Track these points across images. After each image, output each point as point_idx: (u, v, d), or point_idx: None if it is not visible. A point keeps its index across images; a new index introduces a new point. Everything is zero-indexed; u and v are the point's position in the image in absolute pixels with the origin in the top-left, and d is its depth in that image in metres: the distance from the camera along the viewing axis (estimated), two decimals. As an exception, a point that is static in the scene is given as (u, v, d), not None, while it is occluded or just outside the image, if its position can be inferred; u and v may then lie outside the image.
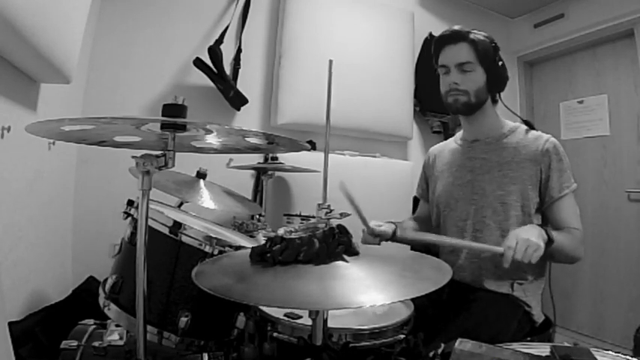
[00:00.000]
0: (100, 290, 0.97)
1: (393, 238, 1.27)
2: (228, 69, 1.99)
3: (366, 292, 0.63)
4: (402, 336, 0.91)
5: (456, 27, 1.26)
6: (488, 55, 1.24)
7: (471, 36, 1.23)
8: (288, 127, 2.07)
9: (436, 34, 2.62)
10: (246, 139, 0.86)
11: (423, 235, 1.31)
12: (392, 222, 1.33)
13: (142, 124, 0.72)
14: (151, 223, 0.86)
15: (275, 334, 0.90)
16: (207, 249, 0.93)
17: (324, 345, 0.77)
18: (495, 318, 1.12)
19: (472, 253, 1.27)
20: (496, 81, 1.28)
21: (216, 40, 1.93)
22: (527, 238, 1.01)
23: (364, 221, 1.16)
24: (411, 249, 1.46)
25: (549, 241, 1.06)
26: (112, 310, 0.91)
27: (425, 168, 1.55)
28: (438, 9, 2.75)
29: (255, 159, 1.94)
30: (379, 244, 1.25)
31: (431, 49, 1.35)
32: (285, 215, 1.82)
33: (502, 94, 1.34)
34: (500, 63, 1.27)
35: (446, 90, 1.29)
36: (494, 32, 1.29)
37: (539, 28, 2.85)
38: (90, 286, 1.49)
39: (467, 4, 2.86)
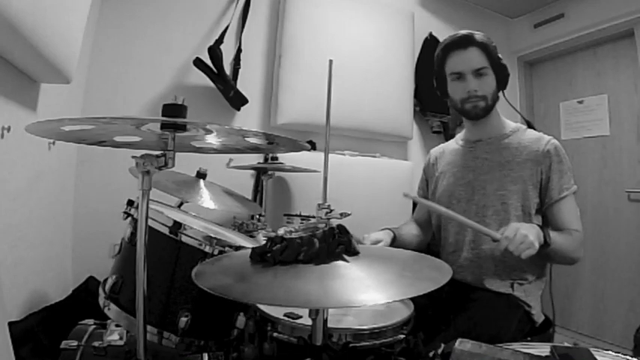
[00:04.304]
0: (100, 290, 0.97)
1: (393, 245, 1.27)
2: (228, 69, 1.99)
3: (366, 292, 0.63)
4: (402, 336, 0.91)
5: (462, 32, 1.26)
6: (495, 57, 1.25)
7: (479, 39, 1.23)
8: (288, 127, 2.07)
9: (436, 34, 2.65)
10: (246, 139, 0.86)
11: (431, 204, 1.31)
12: (388, 228, 1.34)
13: (141, 124, 0.71)
14: (150, 223, 0.86)
15: (275, 334, 0.90)
16: (207, 249, 0.93)
17: (324, 345, 0.77)
18: (495, 318, 1.12)
19: (473, 253, 1.28)
20: (503, 80, 1.29)
21: (216, 40, 1.93)
22: (525, 234, 1.02)
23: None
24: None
25: (545, 245, 1.07)
26: (112, 310, 0.91)
27: (425, 169, 1.55)
28: (438, 9, 2.75)
29: (255, 159, 1.94)
30: None
31: (432, 52, 1.34)
32: (285, 215, 1.82)
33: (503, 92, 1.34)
34: (503, 61, 1.27)
35: (463, 97, 1.27)
36: (494, 32, 1.30)
37: (539, 28, 2.85)
38: (90, 286, 1.49)
39: (467, 4, 2.86)
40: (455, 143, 1.46)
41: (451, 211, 1.18)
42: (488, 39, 1.26)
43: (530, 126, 1.34)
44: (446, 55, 1.28)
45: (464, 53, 1.24)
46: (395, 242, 1.29)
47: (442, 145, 1.54)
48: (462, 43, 1.24)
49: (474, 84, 1.24)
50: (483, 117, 1.30)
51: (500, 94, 1.32)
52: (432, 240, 1.51)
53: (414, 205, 2.27)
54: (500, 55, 1.27)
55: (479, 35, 1.25)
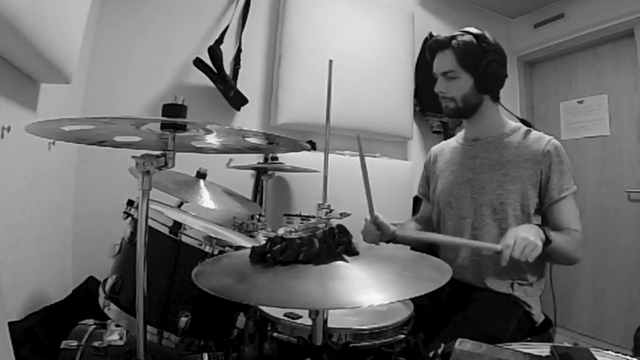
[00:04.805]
0: (100, 290, 0.97)
1: (393, 239, 1.27)
2: (228, 69, 1.99)
3: (366, 292, 0.63)
4: (402, 336, 0.91)
5: (442, 35, 1.29)
6: (471, 59, 1.23)
7: (454, 42, 1.24)
8: (288, 127, 2.07)
9: (436, 34, 2.64)
10: (246, 139, 0.86)
11: (422, 235, 1.31)
12: (393, 223, 1.33)
13: (141, 124, 0.72)
14: (150, 223, 0.86)
15: (275, 334, 0.90)
16: (207, 249, 0.93)
17: (324, 345, 0.77)
18: (495, 318, 1.12)
19: (472, 252, 1.28)
20: (486, 82, 1.25)
21: (216, 40, 1.93)
22: (525, 237, 1.01)
23: (370, 205, 1.17)
24: (411, 249, 1.46)
25: (547, 241, 1.06)
26: (112, 310, 0.91)
27: (426, 167, 1.55)
28: (438, 9, 2.75)
29: (255, 159, 1.94)
30: (378, 243, 1.25)
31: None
32: (285, 215, 1.82)
33: (502, 94, 1.33)
34: (489, 61, 1.23)
35: (439, 97, 1.33)
36: (494, 32, 1.28)
37: (539, 28, 2.85)
38: (90, 286, 1.49)
39: (467, 4, 2.86)
40: (455, 141, 1.46)
41: (446, 237, 1.24)
42: (475, 38, 1.22)
43: (528, 126, 1.34)
44: (432, 58, 1.34)
45: (439, 56, 1.29)
46: (397, 237, 1.28)
47: (443, 142, 1.54)
48: (440, 45, 1.29)
49: (441, 85, 1.30)
50: (458, 117, 1.36)
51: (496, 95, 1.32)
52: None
53: (415, 205, 2.28)
54: (487, 56, 1.23)
55: (464, 37, 1.23)
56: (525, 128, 1.32)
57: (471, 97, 1.27)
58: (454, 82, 1.27)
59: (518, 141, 1.28)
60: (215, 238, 0.94)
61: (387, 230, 1.23)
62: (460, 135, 1.45)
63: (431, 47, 1.32)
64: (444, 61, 1.27)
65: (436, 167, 1.47)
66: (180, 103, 0.72)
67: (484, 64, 1.23)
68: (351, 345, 0.86)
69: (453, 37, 1.25)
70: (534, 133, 1.30)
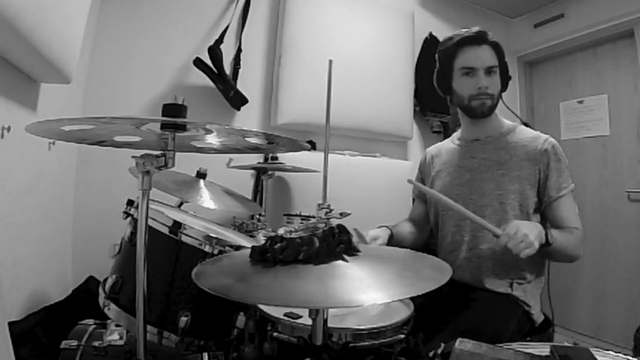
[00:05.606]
0: (100, 290, 0.97)
1: (390, 242, 1.27)
2: (228, 69, 1.99)
3: (366, 292, 0.63)
4: (402, 336, 0.91)
5: (475, 28, 1.27)
6: (503, 58, 1.28)
7: (491, 38, 1.26)
8: (288, 127, 2.07)
9: (436, 34, 2.66)
10: (246, 139, 0.86)
11: (434, 192, 1.29)
12: (386, 226, 1.34)
13: (141, 124, 0.71)
14: (150, 223, 0.86)
15: (275, 334, 0.90)
16: (207, 249, 0.93)
17: (324, 345, 0.77)
18: (495, 318, 1.12)
19: (471, 253, 1.28)
20: (506, 82, 1.31)
21: (216, 40, 1.93)
22: (526, 234, 1.02)
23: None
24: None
25: (546, 244, 1.07)
26: (112, 310, 0.91)
27: (421, 168, 1.55)
28: (438, 9, 2.75)
29: (255, 159, 1.94)
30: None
31: (432, 51, 1.35)
32: (285, 215, 1.82)
33: (502, 94, 1.35)
34: (506, 64, 1.30)
35: (472, 93, 1.26)
36: (494, 32, 1.29)
37: (539, 28, 2.85)
38: (90, 286, 1.49)
39: (467, 4, 2.86)
40: (451, 142, 1.45)
41: (452, 202, 1.16)
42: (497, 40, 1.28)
43: (526, 126, 1.34)
44: (458, 50, 1.27)
45: (478, 49, 1.25)
46: (392, 240, 1.30)
47: (438, 144, 1.54)
48: (477, 39, 1.25)
49: (485, 81, 1.25)
50: (487, 116, 1.29)
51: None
52: (431, 239, 1.51)
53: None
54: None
55: (490, 34, 1.27)
56: (522, 127, 1.33)
57: (500, 95, 1.30)
58: (494, 78, 1.27)
59: (515, 140, 1.29)
60: (215, 237, 0.94)
61: (384, 241, 1.25)
62: (456, 135, 1.45)
63: (467, 38, 1.25)
64: (487, 56, 1.25)
65: (432, 169, 1.47)
66: (180, 103, 0.72)
67: (506, 63, 1.29)
68: (351, 345, 0.86)
69: (486, 33, 1.26)
70: (531, 132, 1.30)
